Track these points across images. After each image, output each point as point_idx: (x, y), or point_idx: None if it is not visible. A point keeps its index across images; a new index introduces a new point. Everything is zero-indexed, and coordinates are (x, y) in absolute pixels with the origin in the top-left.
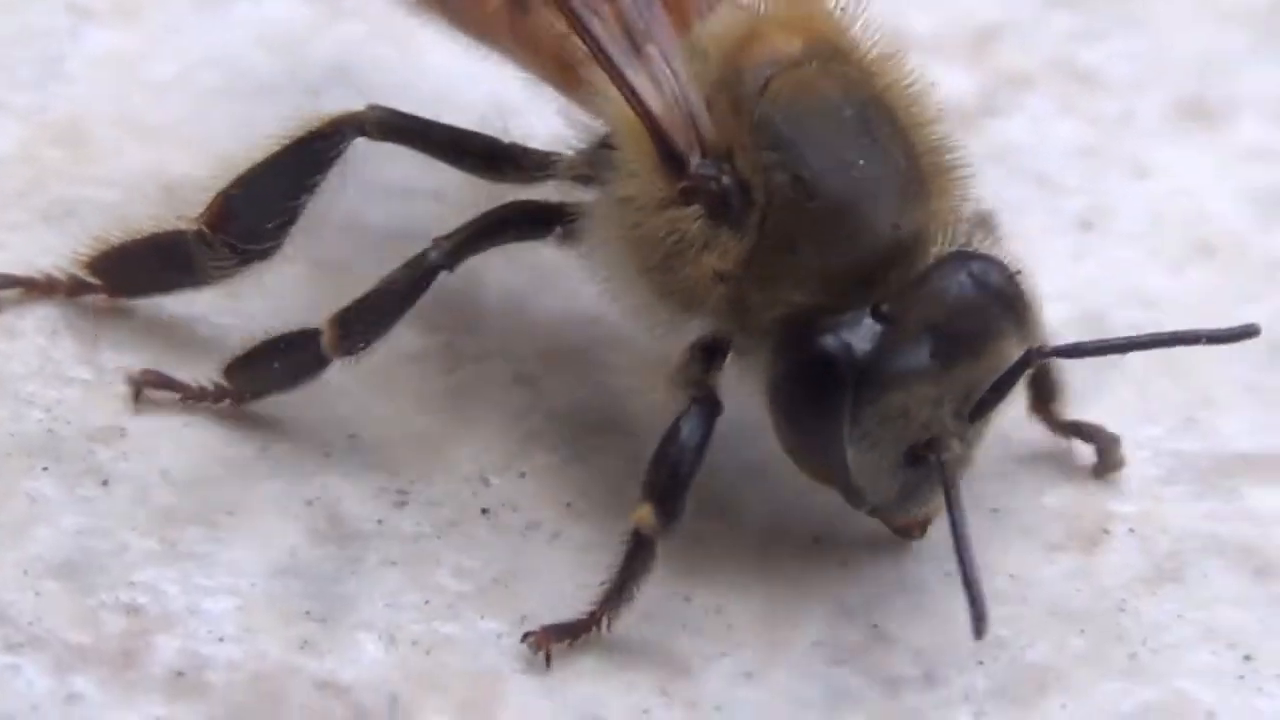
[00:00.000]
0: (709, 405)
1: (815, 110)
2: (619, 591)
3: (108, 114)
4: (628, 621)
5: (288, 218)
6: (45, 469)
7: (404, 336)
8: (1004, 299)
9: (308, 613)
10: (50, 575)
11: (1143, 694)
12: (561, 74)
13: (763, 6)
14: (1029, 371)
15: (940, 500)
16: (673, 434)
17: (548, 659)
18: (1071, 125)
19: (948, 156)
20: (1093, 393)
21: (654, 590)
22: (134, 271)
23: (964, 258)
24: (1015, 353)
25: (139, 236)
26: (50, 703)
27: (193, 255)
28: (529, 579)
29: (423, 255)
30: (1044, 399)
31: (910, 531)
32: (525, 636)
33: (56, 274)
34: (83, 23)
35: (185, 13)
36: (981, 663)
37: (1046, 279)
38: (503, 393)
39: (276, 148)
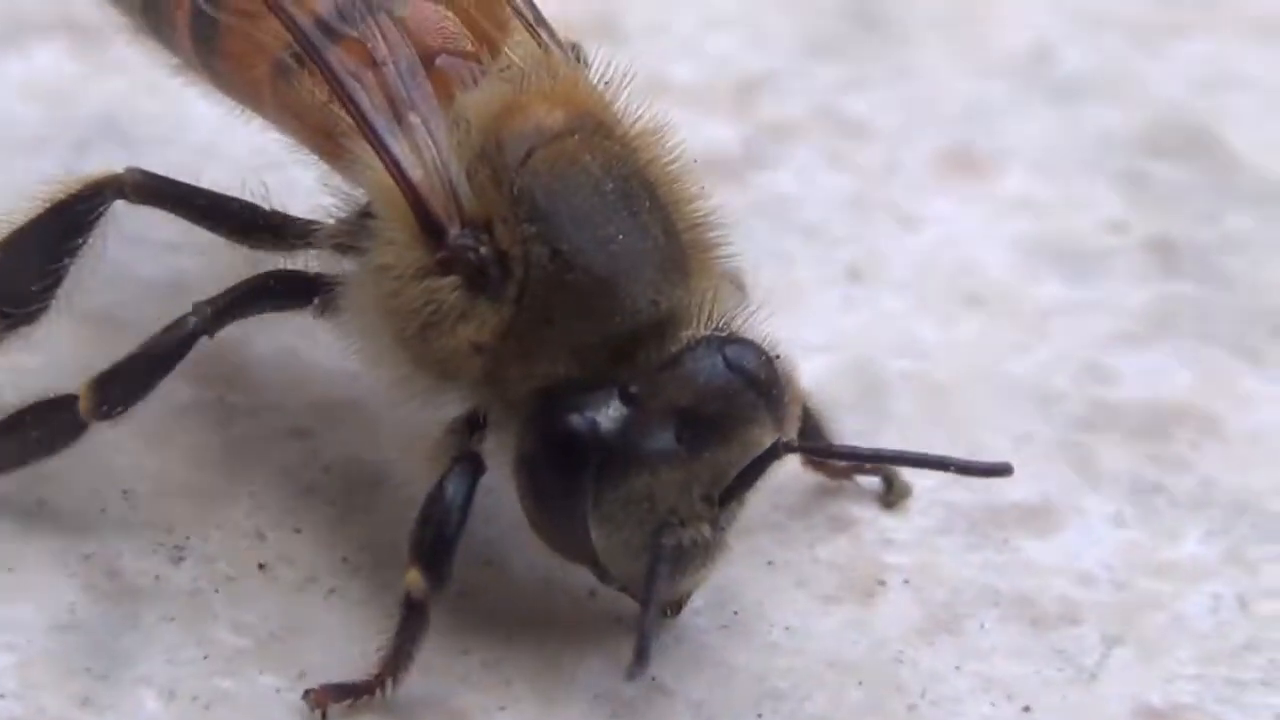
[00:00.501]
0: (471, 464)
1: (576, 183)
2: (396, 655)
3: None
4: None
5: (51, 280)
6: None
7: (177, 390)
8: (756, 384)
9: (88, 669)
10: None
11: None
12: (324, 142)
13: (526, 79)
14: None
15: (696, 580)
16: (435, 495)
17: (323, 717)
18: (838, 176)
19: (709, 234)
20: (864, 443)
21: (432, 643)
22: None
23: (719, 340)
24: (767, 439)
25: None
26: None
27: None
28: (307, 634)
29: (182, 320)
30: (814, 453)
31: (664, 609)
32: (305, 694)
33: None
34: None
35: None
36: (760, 715)
37: (816, 329)
38: (278, 447)
39: (36, 210)
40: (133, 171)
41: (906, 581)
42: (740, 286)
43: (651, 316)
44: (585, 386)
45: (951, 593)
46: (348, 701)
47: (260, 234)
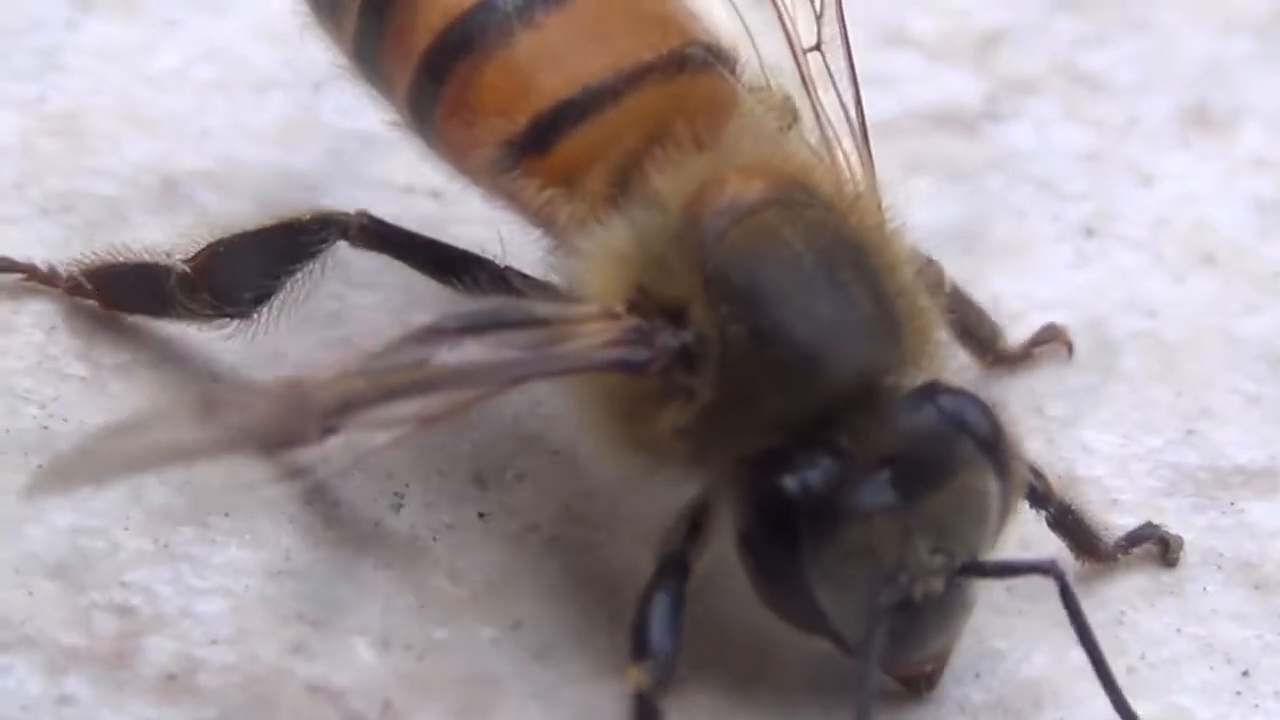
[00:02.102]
0: (676, 571)
1: (773, 258)
2: None
3: (106, 106)
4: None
5: (263, 293)
6: (40, 466)
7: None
8: (970, 429)
9: (301, 616)
10: (43, 574)
11: (1140, 709)
12: (543, 228)
13: (727, 152)
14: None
15: (946, 646)
16: (649, 595)
17: None
18: (1075, 131)
19: (922, 299)
20: (1092, 402)
21: None
22: (124, 291)
23: (931, 390)
24: (988, 485)
25: (132, 258)
26: (41, 704)
27: (173, 294)
28: (525, 584)
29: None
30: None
31: (916, 684)
32: None
33: (58, 268)
34: (82, 14)
35: (185, 5)
36: (978, 675)
37: (1047, 285)
38: (501, 395)
39: (266, 224)
40: (361, 215)
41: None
42: (939, 283)
43: (861, 382)
44: (791, 450)
45: (1181, 554)
46: None
47: (488, 291)
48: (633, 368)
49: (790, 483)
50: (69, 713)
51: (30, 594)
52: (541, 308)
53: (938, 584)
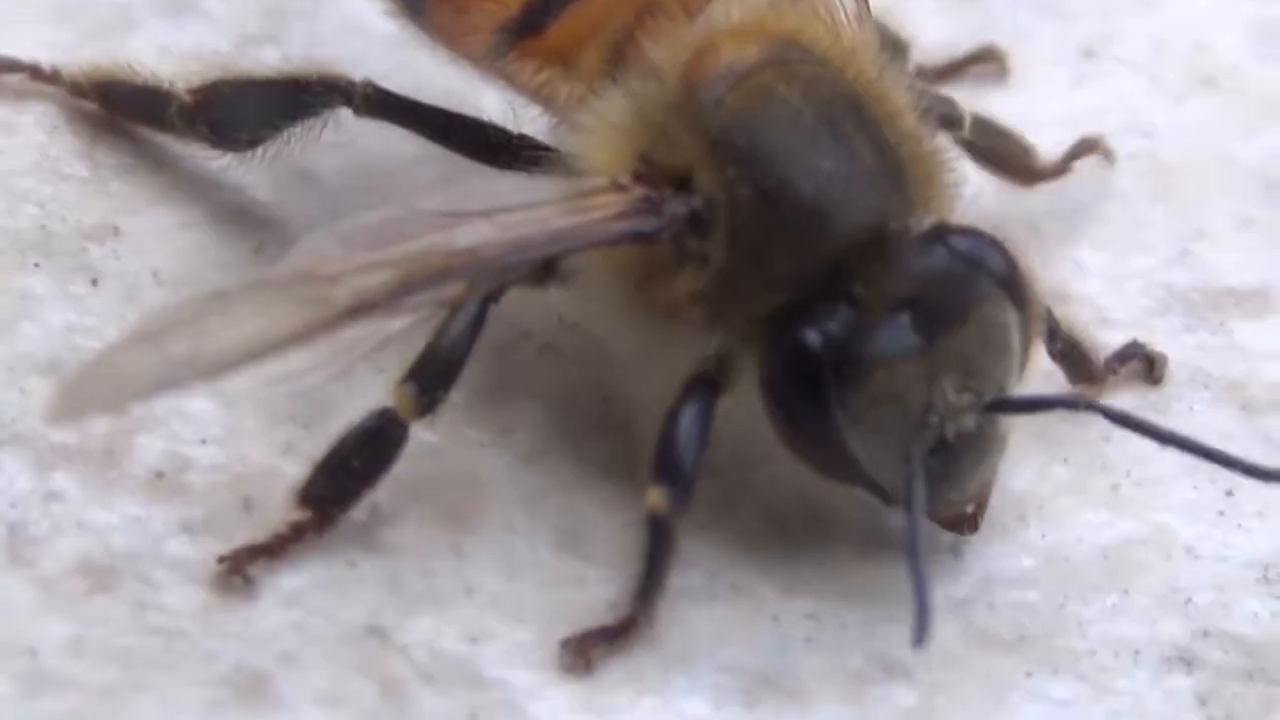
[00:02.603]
0: (706, 385)
1: (773, 118)
2: (649, 587)
3: None
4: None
5: (259, 139)
6: (36, 265)
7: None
8: (983, 265)
9: (292, 417)
10: (36, 372)
11: (1123, 526)
12: (545, 107)
13: (716, 18)
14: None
15: (985, 485)
16: (674, 416)
17: (588, 666)
18: None
19: (925, 143)
20: (1087, 221)
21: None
22: (126, 102)
23: (941, 232)
24: (1008, 318)
25: (135, 78)
26: (30, 500)
27: (172, 120)
28: (516, 389)
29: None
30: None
31: (960, 526)
32: (564, 645)
33: (62, 70)
34: None
35: None
36: None
37: (1047, 105)
38: None
39: (272, 74)
40: (366, 84)
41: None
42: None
43: (870, 232)
44: (809, 303)
45: (1166, 372)
46: (607, 646)
47: (496, 153)
48: (644, 238)
49: (811, 334)
50: (57, 509)
51: (22, 391)
52: (548, 186)
53: (969, 422)
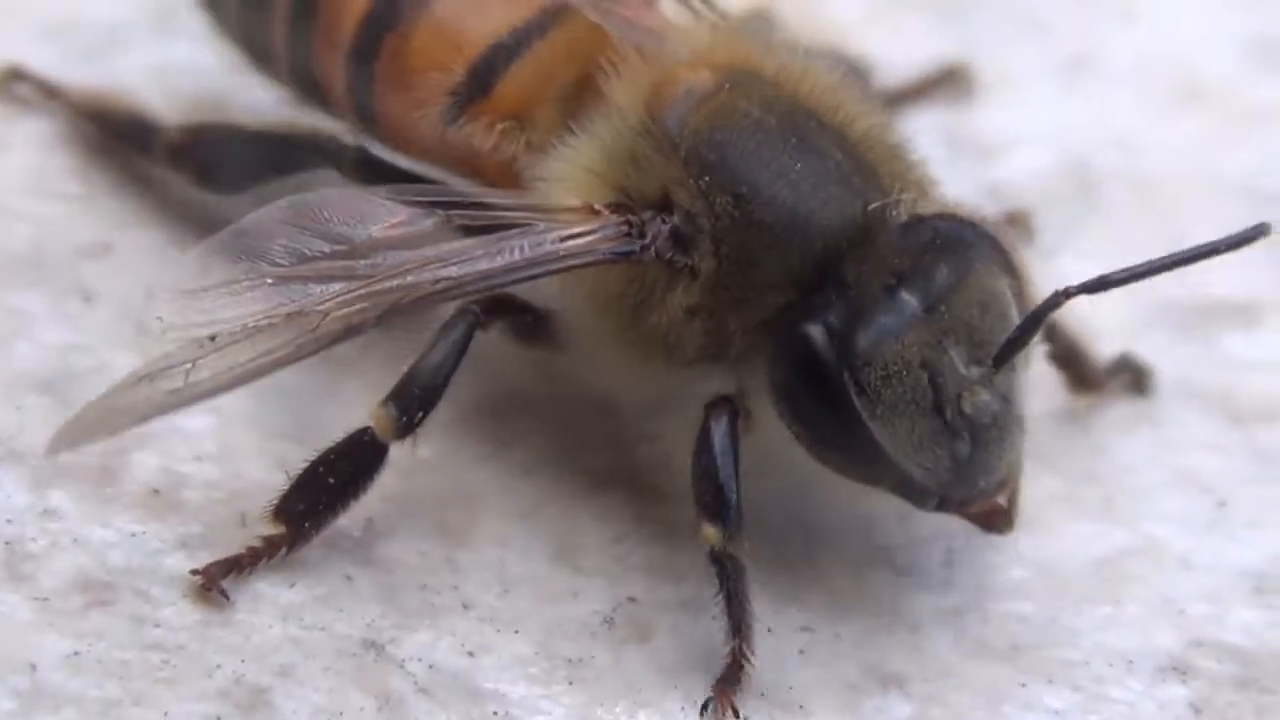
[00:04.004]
0: (724, 407)
1: (738, 128)
2: (740, 623)
3: None
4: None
5: (242, 184)
6: (30, 283)
7: None
8: (969, 235)
9: (285, 433)
10: (31, 390)
11: (1115, 537)
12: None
13: (666, 54)
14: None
15: (1011, 471)
16: (702, 445)
17: (735, 714)
18: None
19: (889, 139)
20: (1074, 233)
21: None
22: (118, 128)
23: (920, 216)
24: (1001, 282)
25: (128, 107)
26: (27, 517)
27: (157, 154)
28: (511, 404)
29: (456, 319)
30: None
31: (994, 523)
32: (705, 705)
33: (63, 87)
34: None
35: None
36: None
37: (1032, 120)
38: None
39: (266, 126)
40: (357, 149)
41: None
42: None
43: (850, 222)
44: (803, 299)
45: (1154, 385)
46: (730, 689)
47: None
48: (631, 257)
49: (814, 329)
50: (54, 526)
51: (18, 409)
52: (533, 215)
53: (984, 394)
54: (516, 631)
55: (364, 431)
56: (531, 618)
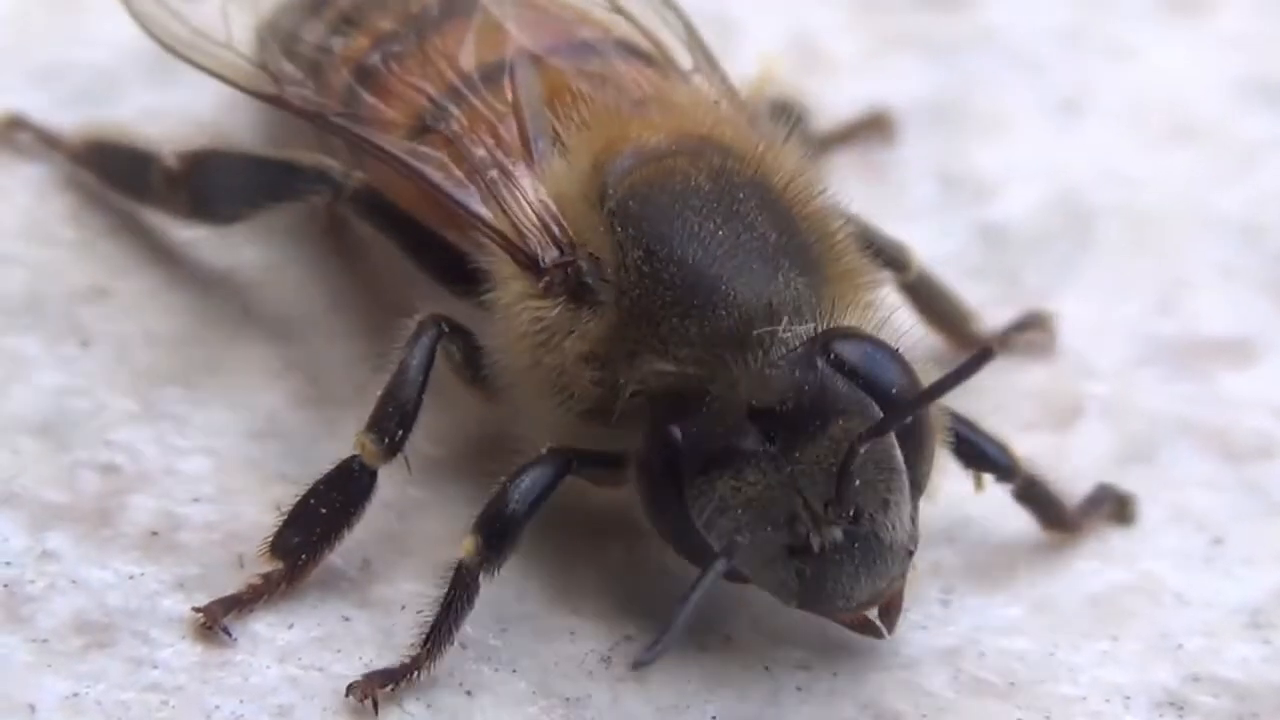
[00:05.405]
0: (559, 459)
1: (672, 189)
2: (438, 633)
3: None
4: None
5: (237, 213)
6: (27, 327)
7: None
8: (857, 377)
9: (283, 475)
10: (28, 433)
11: (1112, 575)
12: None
13: (638, 114)
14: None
15: (881, 591)
16: (514, 479)
17: (375, 707)
18: (1053, 6)
19: (844, 245)
20: (1068, 272)
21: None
22: (113, 165)
23: (831, 336)
24: (886, 438)
25: (124, 140)
26: (25, 559)
27: (154, 185)
28: (502, 443)
29: (418, 333)
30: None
31: (865, 629)
32: (350, 689)
33: (65, 134)
34: None
35: None
36: (952, 540)
37: (1026, 158)
38: None
39: (267, 153)
40: (359, 181)
41: (1104, 410)
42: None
43: (764, 313)
44: (687, 392)
45: (1148, 423)
46: (390, 687)
47: (456, 281)
48: (530, 261)
49: (674, 431)
50: (52, 568)
51: (15, 452)
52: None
53: (835, 533)
54: (514, 670)
55: (351, 460)
56: (529, 657)
